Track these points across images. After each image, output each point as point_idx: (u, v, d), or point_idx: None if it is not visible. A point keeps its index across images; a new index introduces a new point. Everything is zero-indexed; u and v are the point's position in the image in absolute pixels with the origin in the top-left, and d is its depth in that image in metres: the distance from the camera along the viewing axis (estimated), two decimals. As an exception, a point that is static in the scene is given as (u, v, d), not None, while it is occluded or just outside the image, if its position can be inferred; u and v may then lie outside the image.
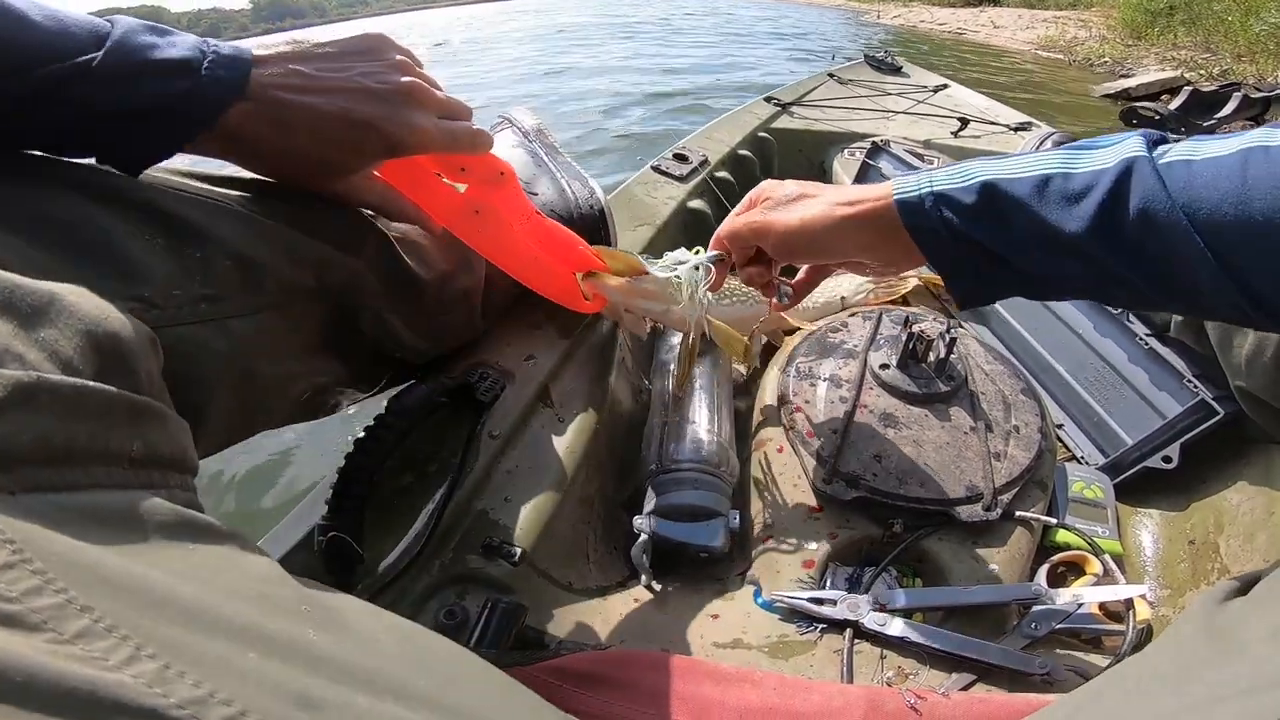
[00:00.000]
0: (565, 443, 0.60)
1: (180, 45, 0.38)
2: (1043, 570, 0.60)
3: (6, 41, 0.33)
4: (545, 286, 0.59)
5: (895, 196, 0.45)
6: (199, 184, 0.43)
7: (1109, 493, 0.67)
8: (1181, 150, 0.38)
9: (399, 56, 0.46)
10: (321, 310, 0.47)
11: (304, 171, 0.46)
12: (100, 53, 0.35)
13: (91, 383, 0.25)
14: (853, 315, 0.78)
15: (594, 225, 0.70)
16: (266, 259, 0.42)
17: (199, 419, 0.32)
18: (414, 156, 0.48)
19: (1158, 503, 0.68)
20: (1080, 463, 0.73)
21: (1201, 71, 6.57)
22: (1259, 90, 0.79)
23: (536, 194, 0.70)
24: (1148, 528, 0.66)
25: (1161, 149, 0.39)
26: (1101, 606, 0.55)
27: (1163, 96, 5.89)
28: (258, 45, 0.42)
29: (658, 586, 0.55)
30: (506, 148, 0.75)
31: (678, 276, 0.58)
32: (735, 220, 0.55)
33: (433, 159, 0.50)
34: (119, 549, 0.23)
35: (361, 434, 0.49)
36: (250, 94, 0.40)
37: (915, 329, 0.68)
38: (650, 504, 0.58)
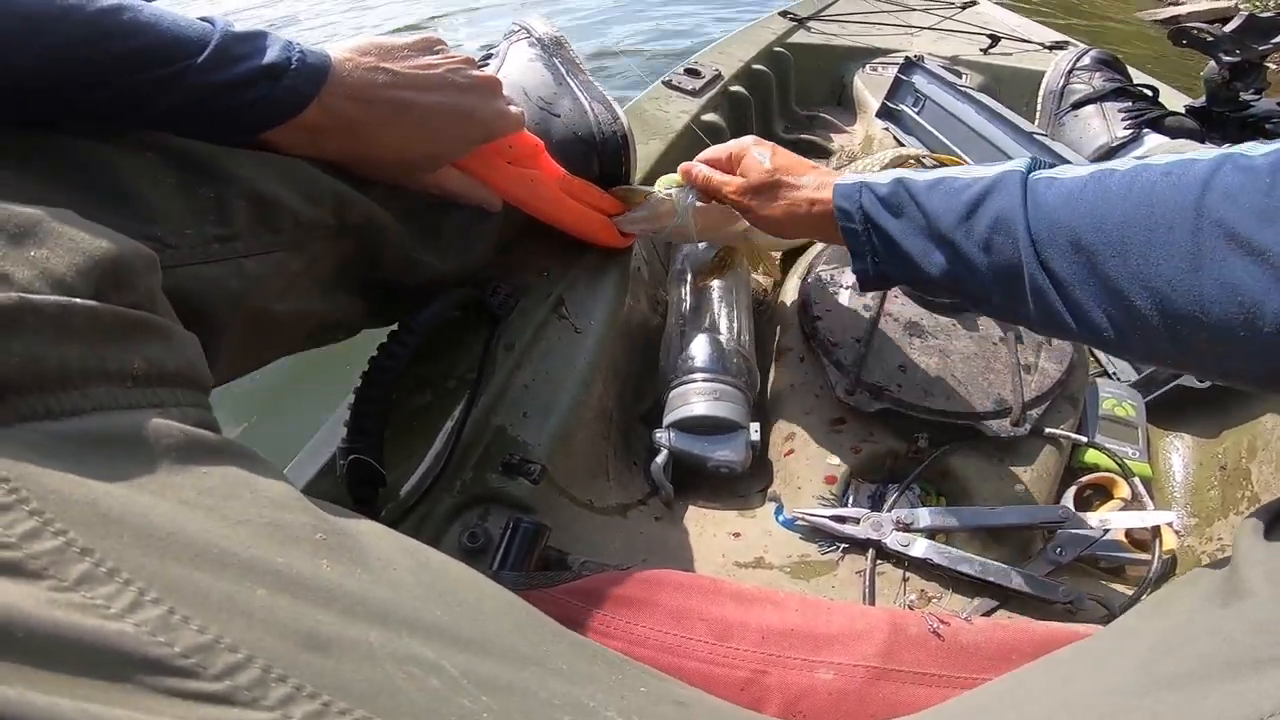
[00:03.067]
0: (581, 353, 0.57)
1: (271, 50, 0.38)
2: (1070, 492, 0.58)
3: (141, 42, 0.34)
4: (594, 234, 0.63)
5: (835, 182, 0.49)
6: None
7: (1141, 411, 0.64)
8: (1052, 170, 0.41)
9: (460, 53, 0.49)
10: (340, 248, 0.45)
11: (410, 163, 0.48)
12: (203, 55, 0.36)
13: (80, 300, 0.23)
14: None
15: (615, 150, 0.66)
16: (283, 198, 0.39)
17: (208, 355, 0.30)
18: (484, 153, 0.52)
19: (1189, 425, 0.65)
20: (1112, 378, 0.70)
21: (1253, 3, 6.18)
22: None
23: (559, 115, 0.64)
24: (1178, 450, 0.63)
25: (1038, 172, 0.41)
26: (1128, 533, 0.54)
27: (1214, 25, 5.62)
28: (341, 49, 0.43)
29: (679, 504, 0.53)
30: (524, 60, 0.68)
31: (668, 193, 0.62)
32: (720, 185, 0.57)
33: (494, 147, 0.53)
34: (123, 480, 0.21)
35: (376, 353, 0.47)
36: (359, 95, 0.42)
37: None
38: (669, 417, 0.56)
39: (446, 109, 0.46)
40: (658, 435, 0.55)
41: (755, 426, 0.56)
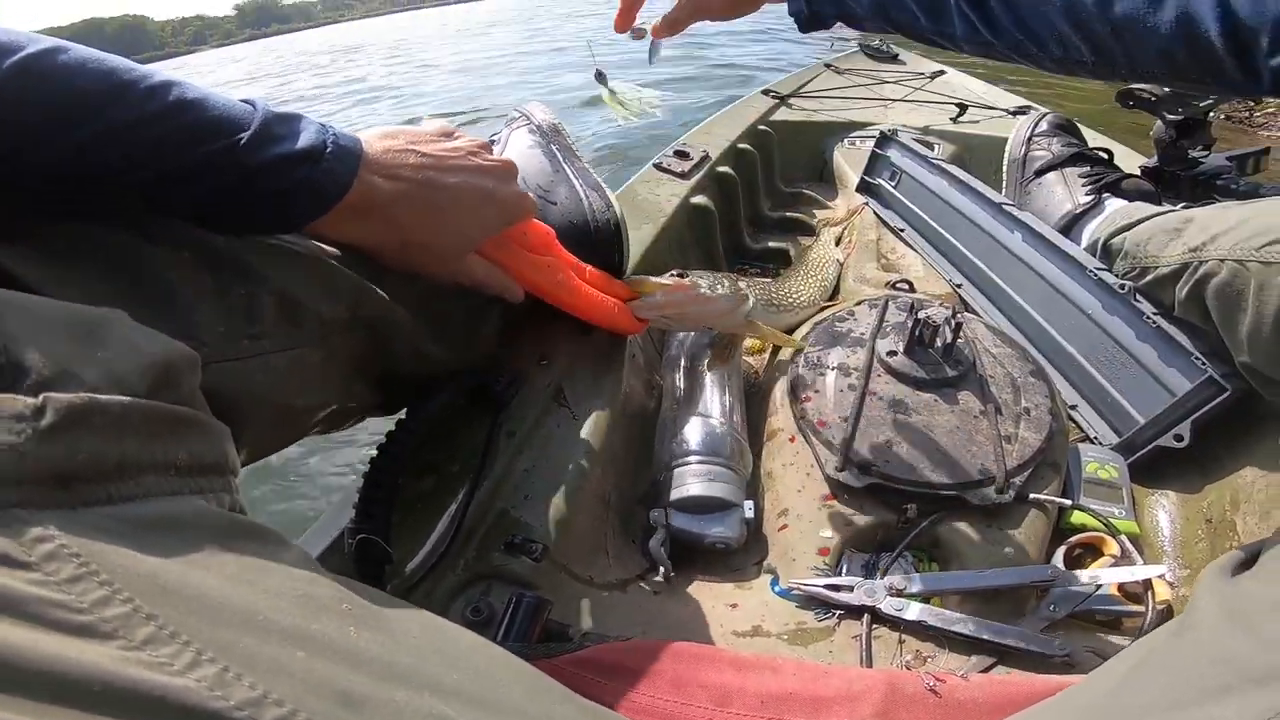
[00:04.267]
0: (580, 440, 0.61)
1: (306, 133, 0.42)
2: (1059, 552, 0.60)
3: (190, 118, 0.37)
4: (610, 320, 0.66)
5: None
6: None
7: (1124, 472, 0.67)
8: None
9: (475, 137, 0.53)
10: (355, 340, 0.49)
11: (440, 247, 0.50)
12: (247, 133, 0.39)
13: (138, 399, 0.27)
14: (859, 304, 0.79)
15: (610, 237, 0.71)
16: (306, 295, 0.44)
17: (234, 442, 0.34)
18: (504, 239, 0.54)
19: (1173, 482, 0.68)
20: (1094, 443, 0.73)
21: None
22: None
23: (555, 202, 0.70)
24: (1164, 507, 0.66)
25: None
26: (1120, 587, 0.56)
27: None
28: (369, 134, 0.46)
29: (678, 578, 0.56)
30: (523, 147, 0.76)
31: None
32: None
33: (510, 233, 0.56)
34: (175, 556, 0.24)
35: (384, 439, 0.51)
36: (393, 175, 0.45)
37: (921, 315, 0.68)
38: (666, 497, 0.59)
39: (472, 189, 0.49)
40: (654, 515, 0.59)
41: (749, 504, 0.60)
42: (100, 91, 0.35)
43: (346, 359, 0.49)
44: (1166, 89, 0.91)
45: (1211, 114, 0.90)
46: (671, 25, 0.63)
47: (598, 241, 0.70)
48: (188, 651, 0.21)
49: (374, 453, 0.50)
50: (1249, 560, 0.37)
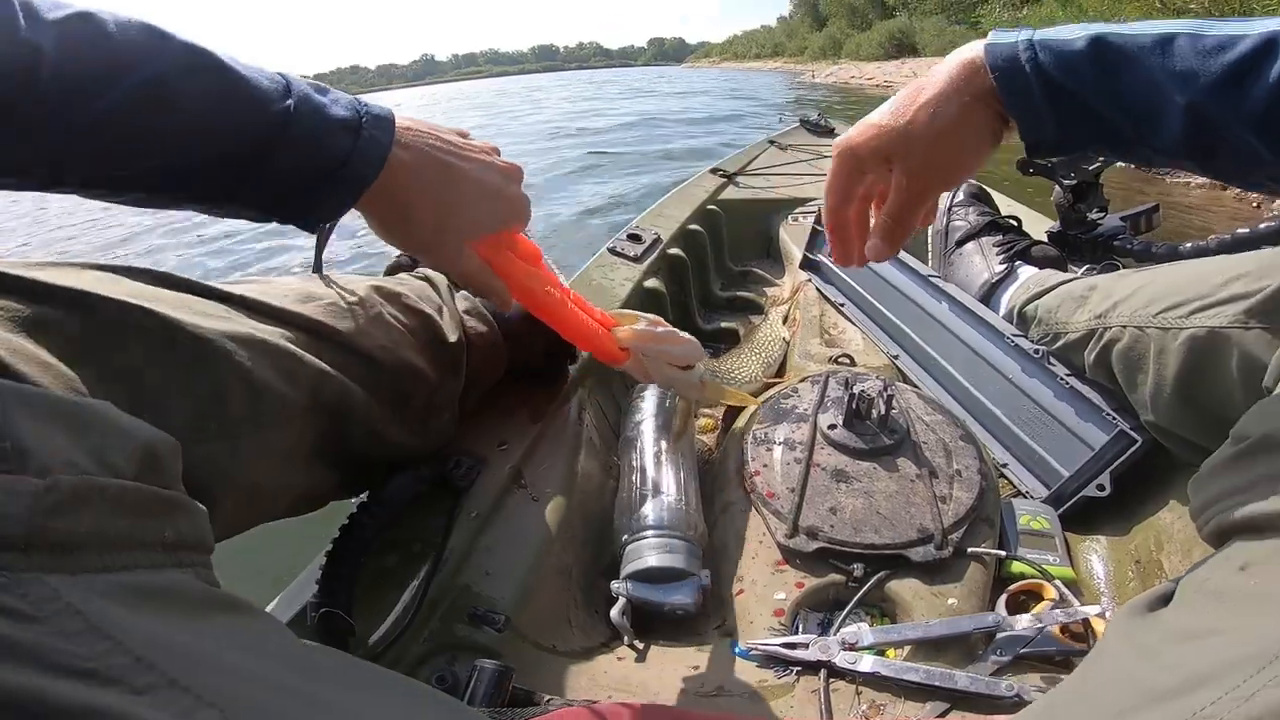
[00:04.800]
0: (540, 519, 0.63)
1: (341, 104, 0.43)
2: (1001, 600, 0.64)
3: (237, 100, 0.39)
4: (594, 343, 0.62)
5: (988, 42, 0.44)
6: (215, 304, 0.48)
7: (1055, 523, 0.72)
8: None
9: (486, 141, 0.54)
10: (316, 425, 0.51)
11: (444, 230, 0.49)
12: (291, 101, 0.41)
13: (132, 482, 0.30)
14: (803, 380, 0.84)
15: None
16: (270, 382, 0.47)
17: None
18: (498, 240, 0.54)
19: (1102, 528, 0.73)
20: (1025, 497, 0.78)
21: None
22: None
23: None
24: (1096, 552, 0.71)
25: None
26: (1063, 628, 0.60)
27: None
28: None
29: (640, 644, 0.58)
30: None
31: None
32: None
33: (498, 237, 0.54)
34: (167, 619, 0.27)
35: (347, 520, 0.53)
36: (414, 151, 0.46)
37: (856, 389, 0.74)
38: (626, 569, 0.62)
39: (483, 179, 0.50)
40: (615, 586, 0.61)
41: (706, 573, 0.62)
42: (146, 43, 0.38)
43: (309, 442, 0.51)
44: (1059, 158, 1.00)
45: (1101, 176, 0.98)
46: (890, 235, 0.51)
47: (551, 332, 0.74)
48: (187, 696, 0.24)
49: (336, 533, 0.52)
50: (1166, 597, 0.41)
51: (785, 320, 1.16)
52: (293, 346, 0.49)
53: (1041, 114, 0.43)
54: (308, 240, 0.60)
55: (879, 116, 0.48)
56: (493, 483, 0.65)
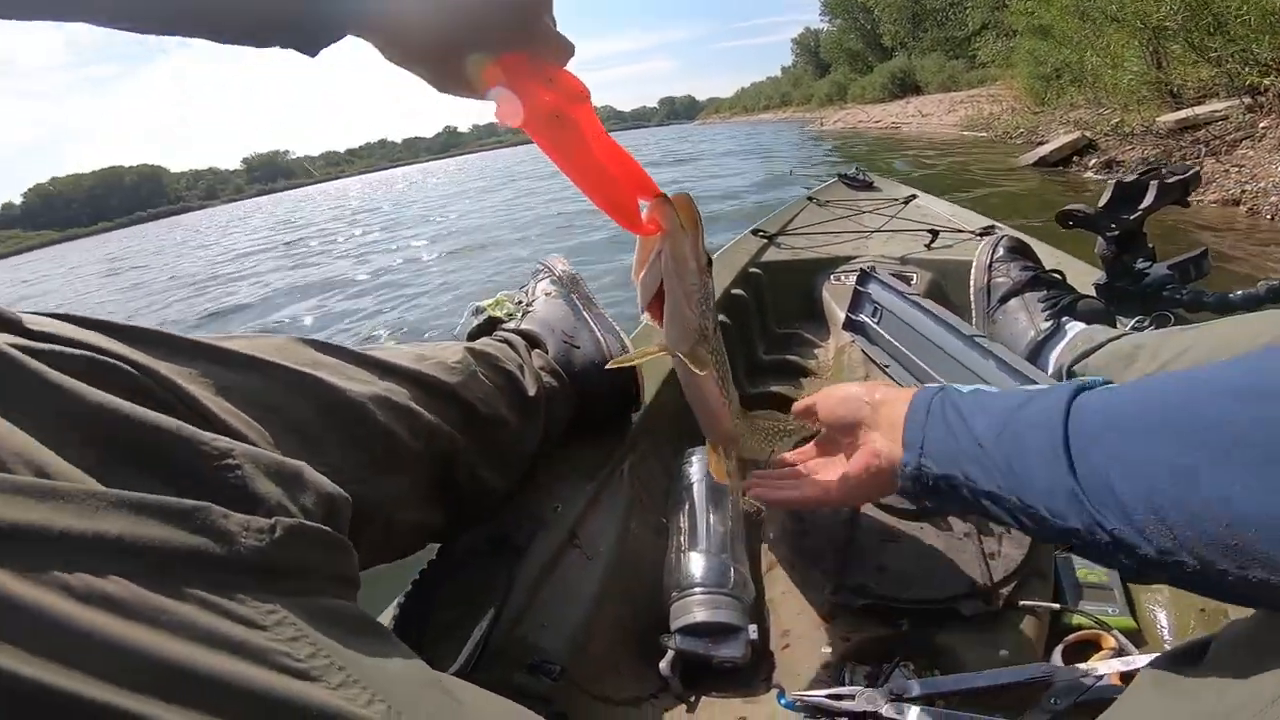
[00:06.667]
0: (593, 576, 0.68)
1: None
2: (1058, 650, 0.64)
3: None
4: (608, 201, 0.58)
5: (900, 466, 0.53)
6: (356, 368, 0.58)
7: (1114, 575, 0.72)
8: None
9: None
10: (429, 470, 0.61)
11: (454, 44, 0.48)
12: None
13: (324, 527, 0.39)
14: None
15: (628, 377, 0.85)
16: (399, 434, 0.57)
17: None
18: (520, 67, 0.50)
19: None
20: (1082, 551, 0.78)
21: (1095, 130, 7.50)
22: (1174, 174, 0.87)
23: (579, 346, 0.84)
24: (1159, 602, 0.71)
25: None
26: (1123, 676, 0.60)
27: (1073, 159, 6.93)
28: None
29: (689, 696, 0.61)
30: (544, 297, 0.90)
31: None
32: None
33: (532, 65, 0.51)
34: (343, 635, 0.35)
35: (418, 577, 0.59)
36: None
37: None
38: (675, 623, 0.65)
39: None
40: (664, 639, 0.65)
41: (753, 627, 0.66)
42: None
43: (424, 485, 0.61)
44: (1100, 205, 1.00)
45: (1144, 224, 0.98)
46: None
47: (617, 380, 0.83)
48: (365, 693, 0.32)
49: (408, 588, 0.58)
50: (1203, 646, 0.40)
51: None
52: (414, 404, 0.59)
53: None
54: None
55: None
56: (550, 542, 0.70)
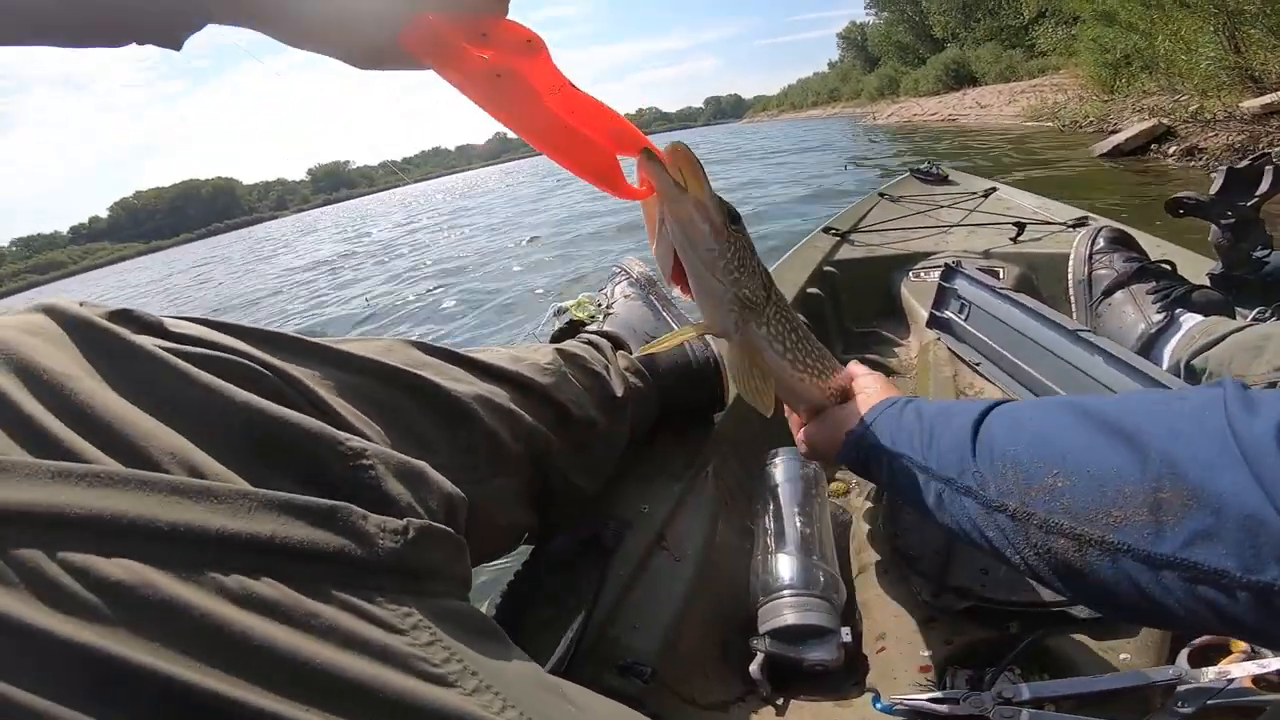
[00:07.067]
0: (681, 578, 0.68)
1: None
2: (1183, 654, 0.60)
3: None
4: (578, 163, 0.52)
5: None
6: (459, 369, 0.59)
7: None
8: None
9: None
10: (527, 470, 0.62)
11: (347, 28, 0.44)
12: None
13: (447, 527, 0.40)
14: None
15: (711, 374, 0.85)
16: (503, 435, 0.58)
17: None
18: (443, 26, 0.46)
19: None
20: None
21: (1173, 116, 7.08)
22: None
23: None
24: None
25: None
26: (1255, 680, 0.55)
27: (1150, 147, 6.48)
28: None
29: (778, 698, 0.60)
30: (622, 300, 0.92)
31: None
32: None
33: (455, 25, 0.47)
34: (469, 638, 0.36)
35: (512, 578, 0.61)
36: None
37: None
38: (764, 626, 0.65)
39: None
40: (754, 642, 0.64)
41: (845, 630, 0.64)
42: None
43: (524, 485, 0.62)
44: (1212, 192, 0.94)
45: (1261, 210, 0.93)
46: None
47: (700, 378, 0.84)
48: (498, 700, 0.33)
49: (503, 588, 0.60)
50: None
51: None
52: (513, 406, 0.60)
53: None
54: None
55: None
56: (638, 544, 0.71)
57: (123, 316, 0.39)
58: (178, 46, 0.43)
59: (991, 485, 0.46)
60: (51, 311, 0.38)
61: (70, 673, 0.26)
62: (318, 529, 0.33)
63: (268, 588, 0.30)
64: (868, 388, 0.66)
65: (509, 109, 0.49)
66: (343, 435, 0.39)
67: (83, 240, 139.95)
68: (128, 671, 0.26)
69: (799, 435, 0.71)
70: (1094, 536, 0.39)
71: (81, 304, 0.39)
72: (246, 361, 0.40)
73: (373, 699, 0.30)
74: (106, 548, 0.28)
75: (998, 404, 0.51)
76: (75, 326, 0.37)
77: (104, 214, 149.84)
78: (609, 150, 0.53)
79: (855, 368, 0.70)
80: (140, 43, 0.42)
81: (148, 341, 0.37)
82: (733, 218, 0.57)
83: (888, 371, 1.29)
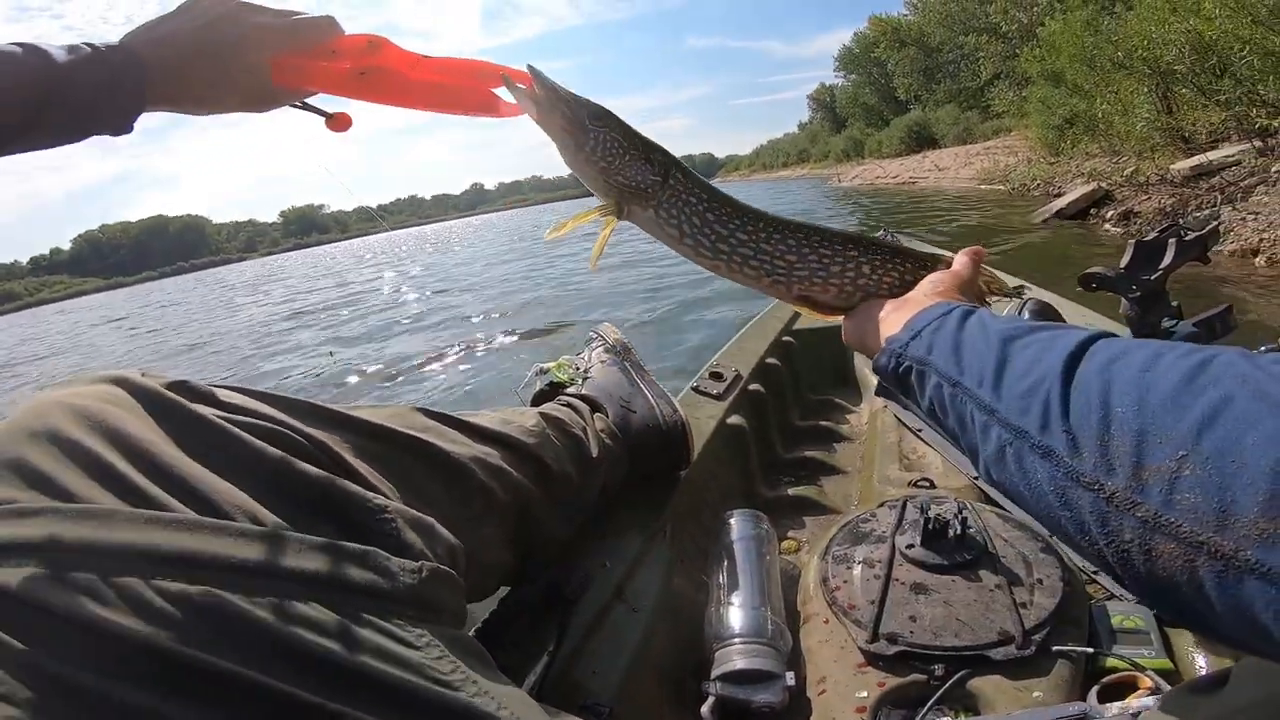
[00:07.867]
0: (639, 628, 0.73)
1: (83, 49, 0.52)
2: (1093, 691, 0.66)
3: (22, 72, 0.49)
4: (462, 107, 0.63)
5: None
6: (456, 431, 0.67)
7: (1149, 619, 0.74)
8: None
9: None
10: (511, 519, 0.70)
11: (228, 86, 0.56)
12: (71, 59, 0.50)
13: (450, 569, 0.49)
14: (880, 506, 0.92)
15: (679, 437, 0.93)
16: (495, 488, 0.66)
17: None
18: (297, 58, 0.57)
19: None
20: (1121, 599, 0.80)
21: (1111, 180, 7.44)
22: (1191, 230, 0.87)
23: (635, 411, 0.93)
24: (1196, 643, 0.72)
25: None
26: (1159, 714, 0.61)
27: (1090, 211, 6.85)
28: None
29: (729, 738, 0.64)
30: (599, 364, 0.99)
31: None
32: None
33: (308, 54, 0.58)
34: (467, 658, 0.44)
35: (480, 625, 0.66)
36: (150, 61, 0.53)
37: (932, 513, 0.81)
38: (716, 671, 0.70)
39: (236, 17, 0.55)
40: (706, 685, 0.69)
41: (790, 674, 0.70)
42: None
43: (508, 532, 0.69)
44: (1121, 266, 1.02)
45: (1166, 282, 0.99)
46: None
47: (669, 441, 0.92)
48: (494, 702, 0.42)
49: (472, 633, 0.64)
50: (1223, 678, 0.44)
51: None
52: (502, 463, 0.69)
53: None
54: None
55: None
56: (598, 596, 0.76)
57: (180, 387, 0.48)
58: (128, 131, 0.55)
59: (1087, 453, 0.35)
60: (122, 383, 0.46)
61: (164, 675, 0.34)
62: (353, 567, 0.43)
63: (315, 610, 0.39)
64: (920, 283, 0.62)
65: (390, 93, 0.60)
66: (369, 494, 0.49)
67: (41, 272, 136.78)
68: (212, 673, 0.35)
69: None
70: (1223, 549, 0.29)
71: (143, 374, 0.47)
72: (282, 429, 0.49)
73: (396, 697, 0.39)
74: (191, 577, 0.37)
75: (1102, 335, 0.40)
76: (144, 396, 0.46)
77: (66, 246, 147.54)
78: (479, 89, 0.63)
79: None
80: (98, 134, 0.54)
81: (207, 411, 0.46)
82: (594, 115, 0.62)
83: (839, 437, 1.36)
